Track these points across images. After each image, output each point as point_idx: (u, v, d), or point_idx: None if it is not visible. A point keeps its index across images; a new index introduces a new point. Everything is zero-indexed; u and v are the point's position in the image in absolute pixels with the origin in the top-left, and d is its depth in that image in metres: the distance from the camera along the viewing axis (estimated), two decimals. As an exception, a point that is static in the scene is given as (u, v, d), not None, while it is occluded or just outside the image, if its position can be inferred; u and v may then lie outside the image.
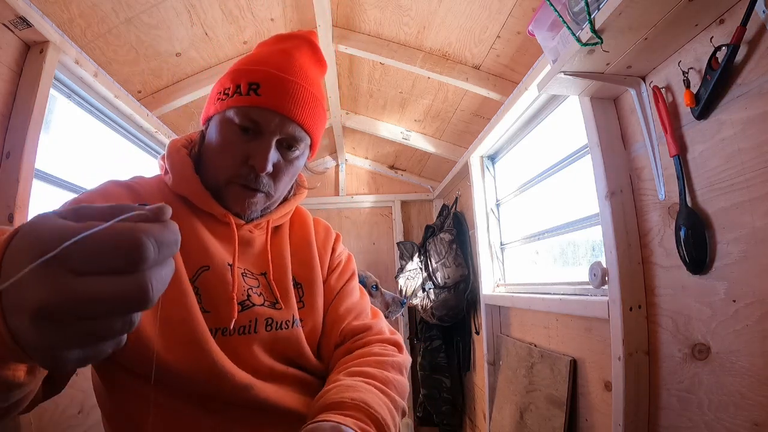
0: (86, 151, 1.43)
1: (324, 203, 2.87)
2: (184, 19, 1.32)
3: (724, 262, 0.73)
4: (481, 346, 1.95)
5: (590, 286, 1.10)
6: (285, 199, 0.76)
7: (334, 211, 2.89)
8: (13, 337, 0.25)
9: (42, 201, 1.12)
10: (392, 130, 2.32)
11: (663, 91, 0.86)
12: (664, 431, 0.87)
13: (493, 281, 1.93)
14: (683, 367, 0.83)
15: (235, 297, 0.62)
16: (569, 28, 0.82)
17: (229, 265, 0.64)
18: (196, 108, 1.68)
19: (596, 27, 0.75)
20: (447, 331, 2.39)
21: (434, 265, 2.21)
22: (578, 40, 0.80)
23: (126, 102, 1.37)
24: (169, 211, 0.27)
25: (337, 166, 2.92)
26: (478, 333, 2.05)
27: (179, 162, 0.67)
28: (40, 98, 1.00)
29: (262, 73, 0.63)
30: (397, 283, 2.48)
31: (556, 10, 0.85)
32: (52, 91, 1.09)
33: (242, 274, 0.66)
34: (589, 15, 0.76)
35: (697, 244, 0.77)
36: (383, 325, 0.78)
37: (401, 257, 2.54)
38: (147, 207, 0.26)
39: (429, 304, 2.17)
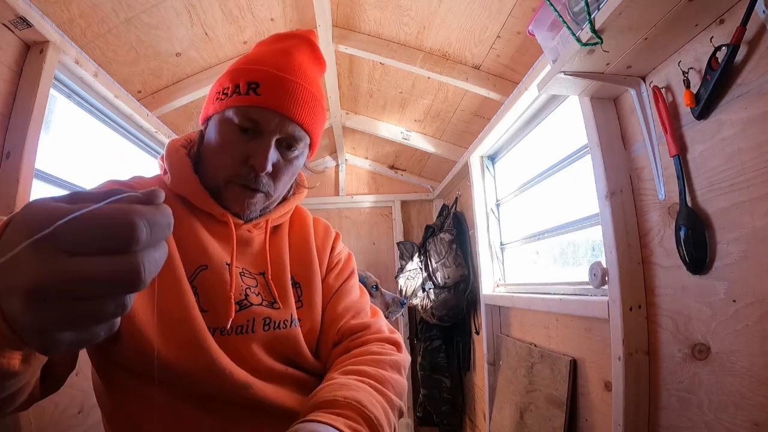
0: (86, 151, 1.43)
1: (324, 203, 2.87)
2: (184, 19, 1.32)
3: (724, 262, 0.73)
4: (481, 346, 1.95)
5: (590, 286, 1.10)
6: (284, 199, 0.76)
7: (334, 211, 2.89)
8: (6, 318, 0.25)
9: (42, 201, 1.12)
10: (392, 130, 2.32)
11: (663, 91, 0.85)
12: (664, 431, 0.87)
13: (493, 281, 1.93)
14: (683, 367, 0.83)
15: (233, 297, 0.62)
16: (569, 28, 0.82)
17: (227, 264, 0.64)
18: (195, 108, 1.68)
19: (596, 27, 0.75)
20: (447, 331, 2.39)
21: (434, 265, 2.21)
22: (578, 40, 0.79)
23: (126, 102, 1.37)
24: (162, 195, 0.27)
25: (337, 166, 2.92)
26: (478, 333, 2.04)
27: (178, 162, 0.67)
28: (40, 98, 1.00)
29: (261, 73, 0.62)
30: (397, 283, 2.48)
31: (556, 10, 0.85)
32: (52, 91, 1.09)
33: (240, 273, 0.66)
34: (589, 15, 0.76)
35: (697, 244, 0.77)
36: (382, 323, 0.77)
37: (401, 257, 2.54)
38: (141, 191, 0.27)
39: (429, 304, 2.17)
